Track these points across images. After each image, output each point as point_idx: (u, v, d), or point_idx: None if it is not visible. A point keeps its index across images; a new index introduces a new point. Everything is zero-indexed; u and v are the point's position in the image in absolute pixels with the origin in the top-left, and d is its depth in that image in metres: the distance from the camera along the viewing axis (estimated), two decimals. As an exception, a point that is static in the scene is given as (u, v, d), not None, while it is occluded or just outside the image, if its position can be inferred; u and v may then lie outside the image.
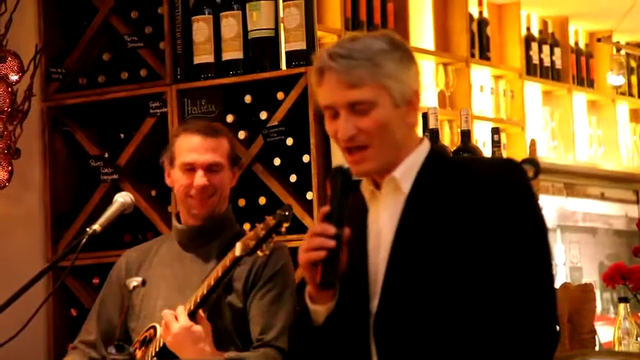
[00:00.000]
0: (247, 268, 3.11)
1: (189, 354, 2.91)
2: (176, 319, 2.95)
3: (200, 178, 3.14)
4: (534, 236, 2.22)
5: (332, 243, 2.17)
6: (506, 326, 2.17)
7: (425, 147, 2.30)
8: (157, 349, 3.01)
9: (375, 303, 2.24)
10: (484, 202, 2.19)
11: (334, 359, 2.26)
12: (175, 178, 3.19)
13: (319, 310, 2.24)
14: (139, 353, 3.05)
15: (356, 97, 2.22)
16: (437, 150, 2.33)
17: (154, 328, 3.06)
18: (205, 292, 2.98)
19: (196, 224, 3.18)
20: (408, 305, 2.20)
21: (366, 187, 2.31)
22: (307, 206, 4.03)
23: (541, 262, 2.21)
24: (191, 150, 3.16)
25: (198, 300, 2.99)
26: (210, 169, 3.16)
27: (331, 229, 2.18)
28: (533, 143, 4.48)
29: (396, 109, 2.24)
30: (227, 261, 2.95)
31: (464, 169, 2.27)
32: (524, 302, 2.17)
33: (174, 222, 3.25)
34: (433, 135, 4.06)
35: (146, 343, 3.06)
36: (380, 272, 2.24)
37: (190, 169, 3.15)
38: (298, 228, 4.00)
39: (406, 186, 2.26)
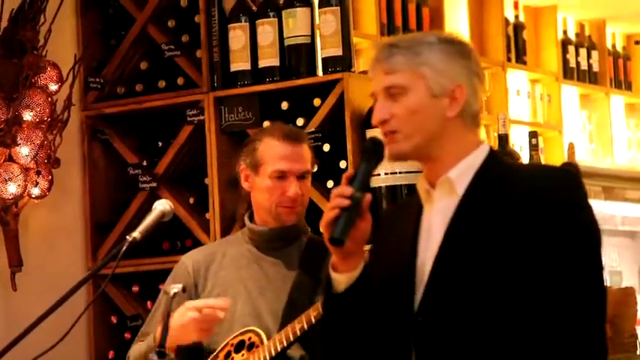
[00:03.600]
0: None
1: None
2: None
3: (295, 187, 3.07)
4: (585, 246, 2.19)
5: (345, 202, 2.19)
6: (552, 334, 2.15)
7: (483, 150, 2.29)
8: None
9: (417, 300, 2.24)
10: (536, 209, 2.18)
11: (374, 346, 2.26)
12: (261, 184, 3.11)
13: (339, 278, 2.26)
14: (237, 357, 2.98)
15: (390, 81, 2.25)
16: (496, 154, 2.32)
17: (254, 332, 3.00)
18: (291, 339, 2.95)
19: (277, 226, 3.12)
20: (449, 306, 2.20)
21: (421, 186, 2.32)
22: (345, 212, 4.03)
23: (591, 272, 2.18)
24: (283, 158, 3.08)
25: (288, 340, 2.96)
26: (302, 176, 3.11)
27: (347, 190, 2.20)
28: (571, 147, 4.46)
29: (432, 99, 2.25)
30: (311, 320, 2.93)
31: (519, 175, 2.27)
32: (572, 311, 2.15)
33: (249, 224, 3.15)
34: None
35: (247, 347, 2.99)
36: (426, 271, 2.25)
37: (281, 176, 3.09)
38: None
39: (461, 188, 2.26)
